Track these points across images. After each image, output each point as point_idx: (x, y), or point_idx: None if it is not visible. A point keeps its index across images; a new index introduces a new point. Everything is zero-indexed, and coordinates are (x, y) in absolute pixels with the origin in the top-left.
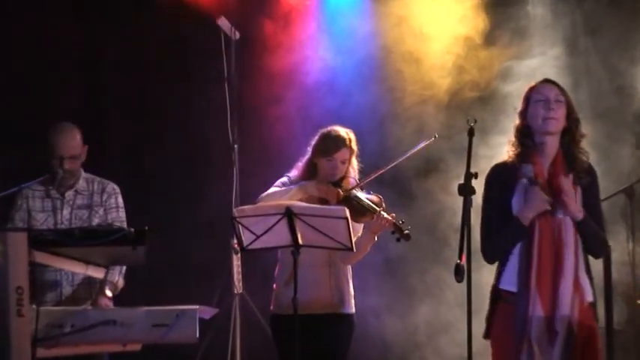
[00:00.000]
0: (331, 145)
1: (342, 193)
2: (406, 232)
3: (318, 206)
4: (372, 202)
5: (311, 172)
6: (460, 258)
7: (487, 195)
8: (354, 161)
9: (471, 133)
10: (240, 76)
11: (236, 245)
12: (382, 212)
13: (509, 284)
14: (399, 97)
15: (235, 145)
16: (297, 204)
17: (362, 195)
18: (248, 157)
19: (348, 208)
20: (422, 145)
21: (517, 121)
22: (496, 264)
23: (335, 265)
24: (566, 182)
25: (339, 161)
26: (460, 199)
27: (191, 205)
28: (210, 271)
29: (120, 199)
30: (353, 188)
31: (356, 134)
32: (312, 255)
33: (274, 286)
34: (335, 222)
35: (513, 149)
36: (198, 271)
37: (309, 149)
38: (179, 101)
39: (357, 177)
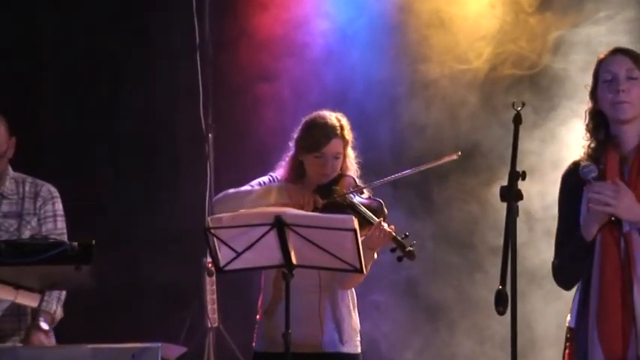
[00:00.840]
0: (318, 136)
1: (320, 200)
2: (409, 249)
3: (319, 215)
4: (371, 210)
5: (298, 172)
6: (502, 283)
7: (558, 203)
8: (351, 152)
9: (517, 120)
10: (216, 44)
11: (210, 265)
12: (383, 223)
13: (572, 318)
14: (422, 71)
15: (209, 135)
16: (291, 211)
17: (359, 200)
18: (226, 151)
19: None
20: (443, 161)
21: (589, 105)
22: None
23: (329, 289)
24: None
25: (331, 156)
26: (501, 207)
27: (152, 213)
28: (177, 298)
29: (59, 206)
30: (352, 192)
31: (365, 118)
32: (299, 277)
33: (257, 317)
34: (340, 235)
35: (587, 143)
36: (161, 298)
37: (292, 145)
38: (137, 79)
39: (356, 174)
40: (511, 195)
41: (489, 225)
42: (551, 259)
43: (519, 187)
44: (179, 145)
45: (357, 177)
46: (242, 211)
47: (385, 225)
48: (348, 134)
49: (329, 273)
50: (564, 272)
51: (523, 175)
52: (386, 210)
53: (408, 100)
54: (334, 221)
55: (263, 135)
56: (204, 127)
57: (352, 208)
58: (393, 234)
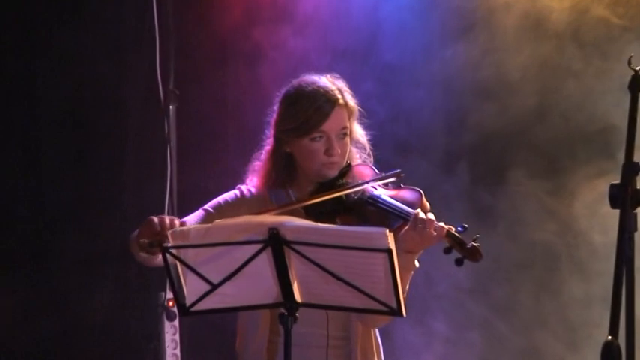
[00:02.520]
0: (314, 107)
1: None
2: (471, 245)
3: (333, 227)
4: (403, 201)
5: (283, 173)
6: (613, 332)
7: None
8: (358, 128)
9: (636, 83)
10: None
11: (171, 303)
12: (422, 214)
13: None
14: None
15: (170, 107)
16: (292, 222)
17: (384, 193)
18: (194, 130)
19: (362, 217)
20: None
21: None
22: None
23: (342, 339)
24: None
25: (337, 134)
26: (609, 215)
27: (84, 222)
28: (124, 348)
29: None
30: (372, 181)
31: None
32: (303, 314)
33: None
34: (365, 257)
35: None
36: (98, 348)
37: (269, 132)
38: (64, 22)
39: (371, 160)
40: (624, 197)
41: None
42: None
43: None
44: (125, 121)
45: (372, 164)
46: (219, 221)
47: (429, 216)
48: (352, 100)
49: (342, 314)
50: None
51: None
52: (427, 202)
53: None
54: (357, 236)
55: (245, 107)
56: (162, 94)
57: (377, 204)
58: (445, 227)
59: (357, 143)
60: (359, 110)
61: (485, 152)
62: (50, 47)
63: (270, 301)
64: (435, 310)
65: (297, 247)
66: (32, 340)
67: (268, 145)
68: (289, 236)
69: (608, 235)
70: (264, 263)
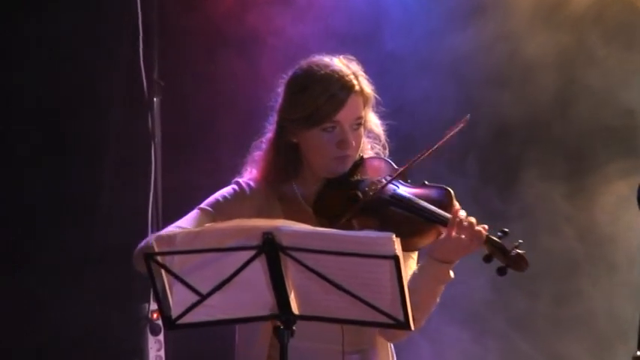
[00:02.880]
0: (327, 94)
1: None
2: (514, 253)
3: (336, 232)
4: (433, 201)
5: (287, 166)
6: None
7: None
8: (373, 117)
9: None
10: None
11: (155, 316)
12: (461, 219)
13: None
14: None
15: (155, 99)
16: (288, 226)
17: (406, 190)
18: (179, 147)
19: (385, 220)
20: (454, 132)
21: None
22: None
23: (366, 347)
24: None
25: (350, 125)
26: (625, 221)
27: (61, 225)
28: None
29: None
30: (387, 184)
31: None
32: (313, 328)
33: None
34: (371, 266)
35: None
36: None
37: (272, 119)
38: (39, 6)
39: (386, 153)
40: None
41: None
42: None
43: None
44: (105, 115)
45: (388, 157)
46: (208, 225)
47: (466, 218)
48: (368, 86)
49: (358, 327)
50: None
51: None
52: (457, 202)
53: None
54: (360, 242)
55: (238, 99)
56: (145, 85)
57: (403, 205)
58: (485, 232)
59: (369, 133)
60: (375, 97)
61: (496, 149)
62: (23, 34)
63: (264, 313)
64: (449, 321)
65: (294, 253)
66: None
67: (271, 132)
68: (285, 242)
69: (632, 242)
70: (258, 272)
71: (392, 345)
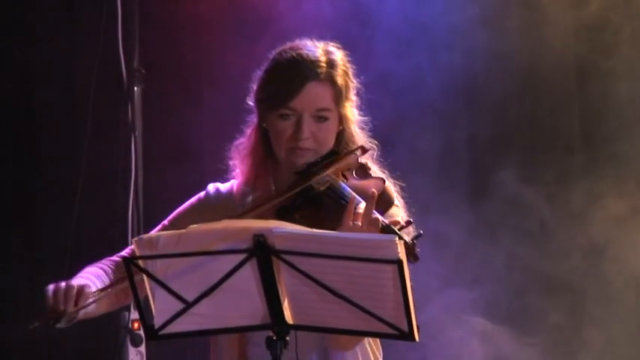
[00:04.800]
0: (283, 79)
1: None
2: (410, 242)
3: (335, 234)
4: (359, 191)
5: (265, 158)
6: None
7: None
8: (353, 113)
9: None
10: None
11: (136, 325)
12: (353, 201)
13: None
14: None
15: (135, 88)
16: (283, 227)
17: (349, 184)
18: (162, 140)
19: (319, 209)
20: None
21: None
22: None
23: (326, 357)
24: None
25: (308, 113)
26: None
27: (35, 232)
28: None
29: None
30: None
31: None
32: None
33: None
34: (372, 271)
35: None
36: None
37: (251, 103)
38: (12, 25)
39: (371, 151)
40: None
41: None
42: None
43: None
44: (80, 106)
45: (372, 157)
46: (194, 226)
47: (362, 206)
48: (344, 77)
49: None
50: None
51: None
52: (392, 193)
53: None
54: (361, 245)
55: (228, 89)
56: (125, 74)
57: (330, 195)
58: (381, 219)
59: (351, 128)
60: (358, 97)
61: (494, 148)
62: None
63: (255, 322)
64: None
65: (287, 257)
66: None
67: (250, 125)
68: (278, 244)
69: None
70: (249, 277)
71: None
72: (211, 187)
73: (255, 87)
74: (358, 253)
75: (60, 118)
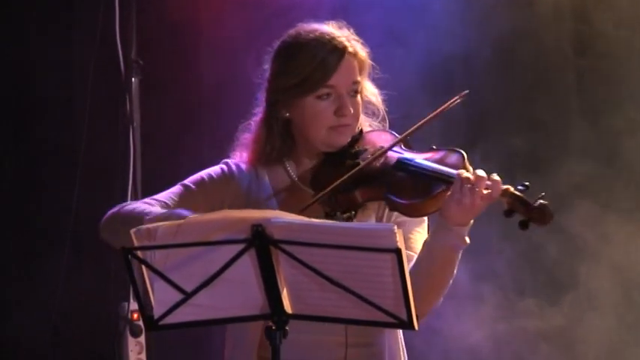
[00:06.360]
0: (318, 58)
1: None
2: (538, 203)
3: (332, 223)
4: (443, 163)
5: (281, 144)
6: None
7: None
8: (370, 86)
9: None
10: None
11: (135, 316)
12: (467, 173)
13: None
14: None
15: (133, 79)
16: (280, 218)
17: (412, 155)
18: (160, 131)
19: (389, 186)
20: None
21: None
22: None
23: (373, 339)
24: None
25: (347, 90)
26: None
27: (32, 221)
28: None
29: None
30: (389, 149)
31: None
32: (311, 326)
33: None
34: (371, 260)
35: None
36: None
37: (262, 97)
38: (4, 14)
39: (385, 124)
40: None
41: None
42: None
43: None
44: (76, 97)
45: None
46: (192, 217)
47: (478, 173)
48: (362, 50)
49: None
50: None
51: None
52: (467, 161)
53: None
54: (359, 234)
55: (227, 79)
56: (122, 65)
57: (408, 169)
58: (501, 184)
59: (367, 106)
60: (372, 65)
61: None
62: None
63: (254, 312)
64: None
65: (286, 247)
66: None
67: (260, 112)
68: (277, 234)
69: None
70: (248, 267)
71: (402, 337)
72: (231, 162)
73: (270, 80)
74: (357, 242)
75: (57, 109)
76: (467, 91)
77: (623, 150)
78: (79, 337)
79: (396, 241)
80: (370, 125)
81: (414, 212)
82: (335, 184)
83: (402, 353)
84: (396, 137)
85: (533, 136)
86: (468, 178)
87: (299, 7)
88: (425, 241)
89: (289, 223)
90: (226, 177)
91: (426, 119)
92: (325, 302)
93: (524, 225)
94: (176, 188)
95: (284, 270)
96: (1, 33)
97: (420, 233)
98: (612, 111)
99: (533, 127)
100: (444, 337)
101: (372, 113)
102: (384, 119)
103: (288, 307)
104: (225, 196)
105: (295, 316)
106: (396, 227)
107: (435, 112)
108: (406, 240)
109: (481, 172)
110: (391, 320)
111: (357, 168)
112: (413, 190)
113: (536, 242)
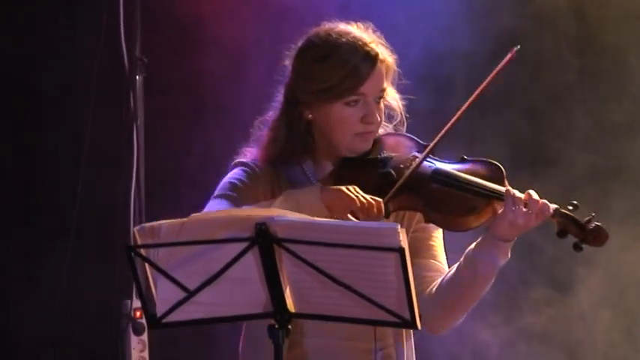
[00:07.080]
0: (350, 64)
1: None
2: (593, 225)
3: (335, 222)
4: (484, 178)
5: (301, 145)
6: None
7: None
8: (391, 90)
9: None
10: None
11: (138, 314)
12: (518, 193)
13: None
14: None
15: (137, 77)
16: (284, 216)
17: (446, 166)
18: (164, 130)
19: (425, 198)
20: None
21: None
22: None
23: (391, 342)
24: None
25: (373, 98)
26: None
27: (35, 218)
28: None
29: None
30: (420, 161)
31: None
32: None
33: None
34: (374, 259)
35: None
36: None
37: (280, 95)
38: (8, 10)
39: (402, 128)
40: None
41: None
42: None
43: None
44: (80, 95)
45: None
46: (195, 215)
47: (531, 194)
48: (390, 56)
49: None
50: None
51: None
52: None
53: None
54: (362, 233)
55: (232, 77)
56: (126, 62)
57: (449, 182)
58: (550, 204)
59: (386, 109)
60: (396, 70)
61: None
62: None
63: (257, 310)
64: None
65: (289, 245)
66: None
67: (278, 110)
68: (280, 233)
69: None
70: (251, 265)
71: (412, 339)
72: (248, 162)
73: (294, 80)
74: (360, 241)
75: (61, 106)
76: (518, 46)
77: (623, 149)
78: (82, 334)
79: (400, 240)
80: (384, 129)
81: (454, 226)
82: (399, 183)
83: (412, 354)
84: (419, 142)
85: (533, 136)
86: (520, 199)
87: (303, 6)
88: (468, 254)
89: (293, 222)
90: (253, 177)
91: (460, 112)
92: (328, 301)
93: (578, 248)
94: (217, 202)
95: (287, 268)
96: (4, 30)
97: (438, 239)
98: (612, 109)
99: (533, 127)
100: (446, 337)
101: (389, 116)
102: (402, 123)
103: (290, 305)
104: (258, 195)
105: (298, 315)
106: (399, 226)
107: (489, 78)
108: (428, 248)
109: (533, 193)
110: (394, 319)
111: (407, 175)
112: (453, 204)
113: (537, 242)
